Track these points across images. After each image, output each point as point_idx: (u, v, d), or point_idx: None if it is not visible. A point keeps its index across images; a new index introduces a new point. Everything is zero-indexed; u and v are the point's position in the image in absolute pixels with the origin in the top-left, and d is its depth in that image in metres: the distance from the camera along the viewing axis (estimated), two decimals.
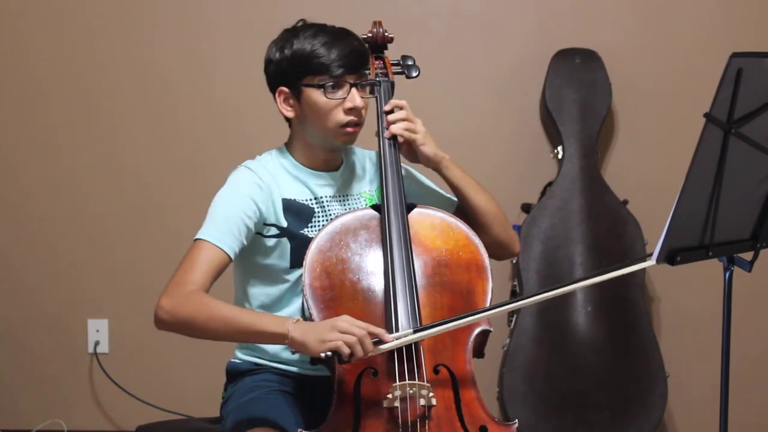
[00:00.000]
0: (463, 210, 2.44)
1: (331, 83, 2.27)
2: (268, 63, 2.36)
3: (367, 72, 2.34)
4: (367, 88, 2.33)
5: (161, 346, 3.74)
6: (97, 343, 3.82)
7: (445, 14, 3.75)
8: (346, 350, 2.03)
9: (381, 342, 2.07)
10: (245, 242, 2.26)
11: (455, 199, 2.46)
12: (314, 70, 2.27)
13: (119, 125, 3.81)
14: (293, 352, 2.16)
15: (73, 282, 3.83)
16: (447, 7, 3.75)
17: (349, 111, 2.29)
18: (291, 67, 2.30)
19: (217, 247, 2.21)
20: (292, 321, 2.10)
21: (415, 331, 2.10)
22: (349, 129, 2.30)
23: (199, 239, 2.22)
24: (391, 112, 2.38)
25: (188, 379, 3.75)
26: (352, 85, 2.28)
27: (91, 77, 3.80)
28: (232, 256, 2.23)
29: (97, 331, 3.82)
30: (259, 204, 2.28)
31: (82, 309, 3.83)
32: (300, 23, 2.36)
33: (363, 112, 2.31)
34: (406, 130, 2.36)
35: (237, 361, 2.42)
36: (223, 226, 2.23)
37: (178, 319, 2.14)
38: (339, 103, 2.28)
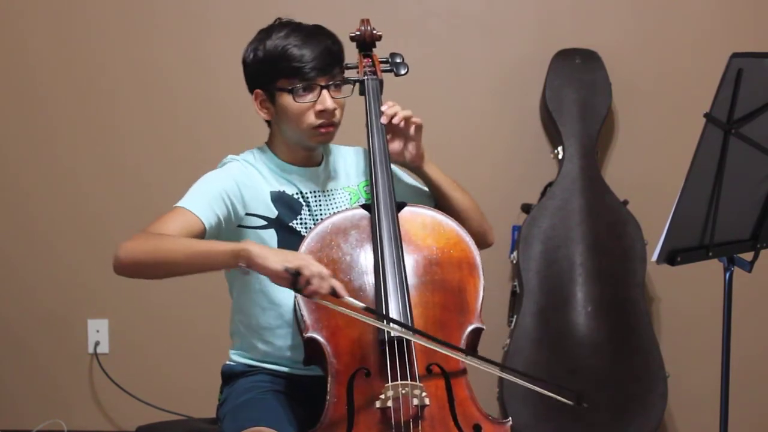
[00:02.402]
0: (442, 208, 2.43)
1: (300, 87, 2.26)
2: (245, 65, 2.36)
3: (340, 70, 2.32)
4: (342, 87, 2.32)
5: (161, 346, 3.74)
6: (97, 344, 3.82)
7: (445, 14, 3.74)
8: (307, 272, 2.01)
9: (336, 295, 2.05)
10: (221, 219, 2.24)
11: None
12: (286, 73, 2.27)
13: (119, 125, 3.81)
14: (244, 271, 2.09)
15: (73, 282, 3.83)
16: (447, 7, 3.74)
17: (320, 113, 2.28)
18: (264, 70, 2.30)
19: (191, 212, 2.21)
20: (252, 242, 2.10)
21: (365, 309, 2.07)
22: (323, 130, 2.30)
23: (175, 207, 2.23)
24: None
25: (188, 380, 3.74)
26: (323, 88, 2.27)
27: (91, 77, 3.80)
28: (206, 225, 2.21)
29: (97, 331, 3.82)
30: (242, 189, 2.28)
31: (82, 309, 3.83)
32: (276, 22, 2.35)
33: (337, 112, 2.30)
34: (409, 117, 2.35)
35: (231, 363, 2.41)
36: (198, 197, 2.24)
37: (138, 254, 2.12)
38: (310, 106, 2.27)
